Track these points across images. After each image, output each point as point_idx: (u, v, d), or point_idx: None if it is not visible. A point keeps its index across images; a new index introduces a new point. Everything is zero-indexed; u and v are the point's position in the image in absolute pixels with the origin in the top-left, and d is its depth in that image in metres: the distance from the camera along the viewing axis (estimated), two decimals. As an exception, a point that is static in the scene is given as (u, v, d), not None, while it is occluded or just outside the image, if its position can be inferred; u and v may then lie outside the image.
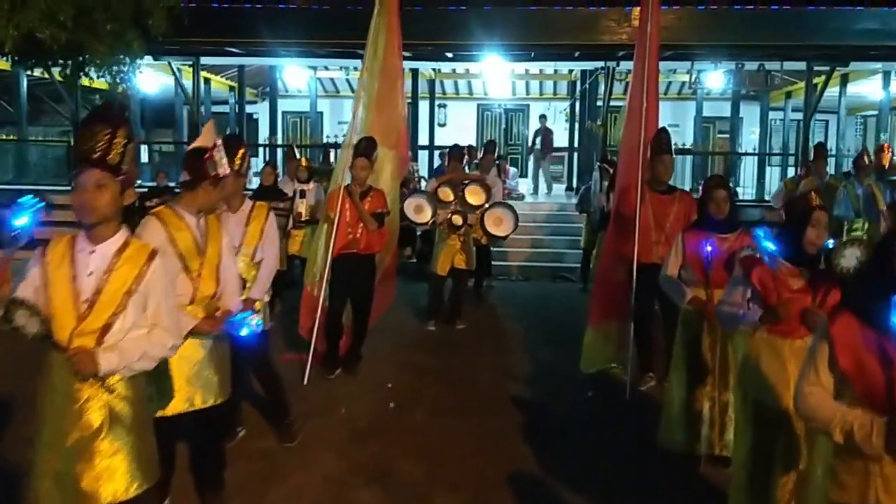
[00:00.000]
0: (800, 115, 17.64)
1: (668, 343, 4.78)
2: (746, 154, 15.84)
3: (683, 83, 13.74)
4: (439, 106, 20.27)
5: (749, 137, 18.89)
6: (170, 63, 12.80)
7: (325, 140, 20.08)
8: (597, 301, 5.90)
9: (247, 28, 11.74)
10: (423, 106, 18.87)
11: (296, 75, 17.57)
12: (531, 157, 16.75)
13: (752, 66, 12.18)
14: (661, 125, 5.69)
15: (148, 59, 11.44)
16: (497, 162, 9.87)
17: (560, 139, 17.20)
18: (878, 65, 12.66)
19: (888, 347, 2.02)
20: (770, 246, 3.13)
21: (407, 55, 12.34)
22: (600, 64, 12.73)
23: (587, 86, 13.86)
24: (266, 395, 4.61)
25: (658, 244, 5.45)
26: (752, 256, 3.21)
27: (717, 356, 4.13)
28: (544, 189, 16.06)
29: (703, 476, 4.10)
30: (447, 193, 7.39)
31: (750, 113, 17.82)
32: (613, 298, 5.73)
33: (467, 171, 9.01)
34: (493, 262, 10.45)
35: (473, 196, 7.44)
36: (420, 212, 7.41)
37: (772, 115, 18.39)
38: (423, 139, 18.32)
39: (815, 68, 11.69)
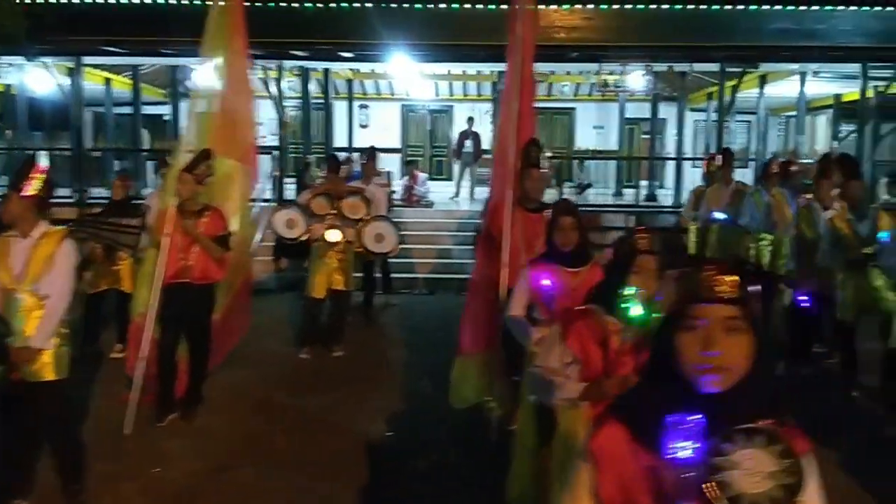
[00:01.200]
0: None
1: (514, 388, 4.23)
2: (662, 158, 15.50)
3: (607, 84, 13.28)
4: (361, 107, 19.62)
5: (675, 139, 18.69)
6: (45, 63, 11.82)
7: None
8: (467, 329, 5.31)
9: (135, 25, 10.88)
10: (341, 106, 18.27)
11: (207, 75, 16.61)
12: (456, 160, 16.17)
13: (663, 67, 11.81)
14: (534, 135, 5.15)
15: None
16: (378, 170, 9.18)
17: (485, 142, 16.70)
18: (796, 65, 12.43)
19: (663, 476, 1.45)
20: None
21: (301, 54, 11.71)
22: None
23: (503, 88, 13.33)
24: (54, 457, 3.92)
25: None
26: (573, 308, 2.65)
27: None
28: (466, 195, 15.53)
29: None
30: (322, 206, 6.73)
31: (674, 114, 17.60)
32: (484, 326, 5.16)
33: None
34: (396, 275, 9.85)
35: (352, 209, 6.81)
36: (291, 226, 6.74)
37: (695, 116, 18.26)
38: (341, 141, 17.69)
39: (728, 69, 11.35)
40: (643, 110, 16.98)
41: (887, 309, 5.27)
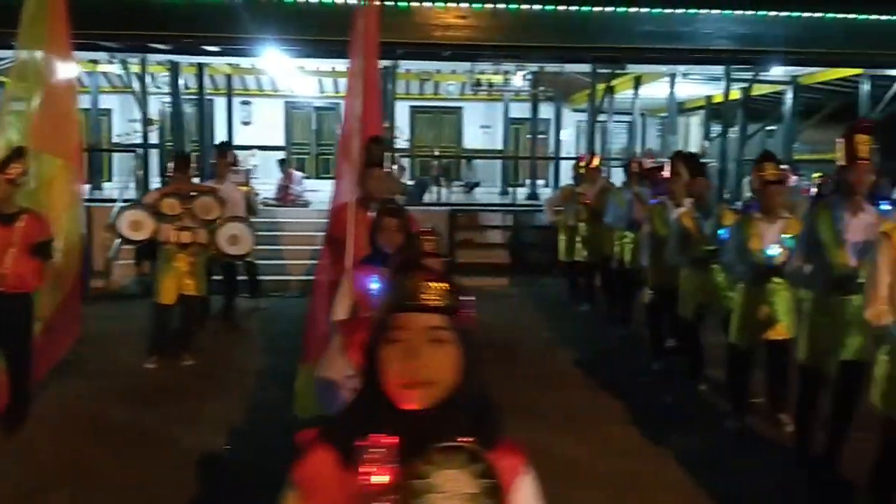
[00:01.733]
0: (602, 117, 18.01)
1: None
2: (540, 157, 15.72)
3: (480, 83, 13.36)
4: (243, 103, 19.03)
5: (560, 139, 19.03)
6: None
7: (114, 140, 18.38)
8: (310, 336, 5.11)
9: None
10: (222, 103, 17.65)
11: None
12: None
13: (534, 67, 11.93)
14: (376, 133, 5.02)
15: None
16: (235, 167, 8.85)
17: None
18: (665, 67, 12.81)
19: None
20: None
21: (163, 48, 11.19)
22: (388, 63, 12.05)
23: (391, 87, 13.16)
24: None
25: (373, 271, 4.77)
26: (353, 319, 2.52)
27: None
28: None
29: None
30: (173, 206, 6.38)
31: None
32: (326, 333, 4.97)
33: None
34: (268, 277, 9.55)
35: (204, 210, 6.48)
36: (138, 228, 6.36)
37: (578, 116, 18.66)
38: (222, 138, 17.07)
39: (599, 70, 11.58)
40: (528, 110, 17.20)
41: (727, 306, 5.41)
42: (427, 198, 13.70)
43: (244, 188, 8.27)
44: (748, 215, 5.17)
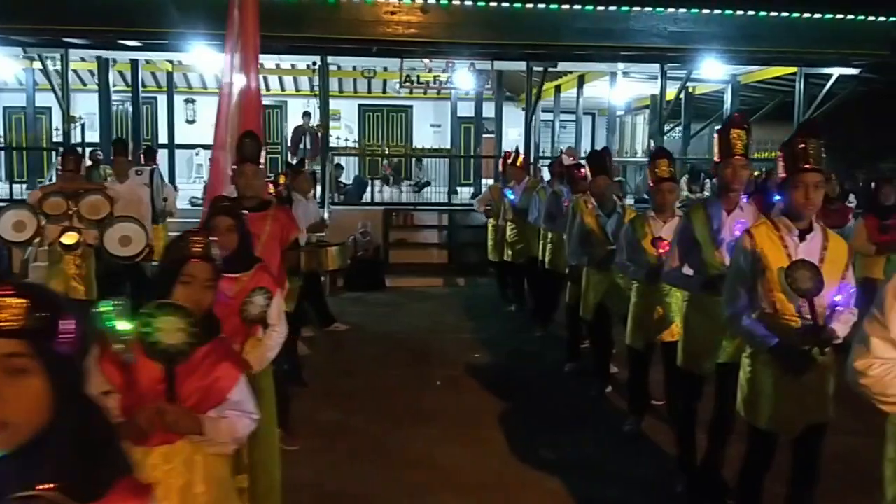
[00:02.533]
0: (550, 116, 17.92)
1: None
2: (484, 157, 15.56)
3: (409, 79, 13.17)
4: (186, 101, 18.64)
5: (509, 138, 18.90)
6: None
7: (55, 139, 17.86)
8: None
9: None
10: (164, 100, 17.24)
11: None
12: (293, 157, 15.57)
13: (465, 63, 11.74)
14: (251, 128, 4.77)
15: None
16: (135, 165, 8.50)
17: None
18: (604, 66, 12.72)
19: None
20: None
21: (79, 42, 10.84)
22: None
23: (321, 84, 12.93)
24: None
25: (247, 270, 4.54)
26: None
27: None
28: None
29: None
30: (57, 205, 6.06)
31: (507, 113, 17.75)
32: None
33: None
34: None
35: (92, 209, 6.18)
36: (21, 228, 6.04)
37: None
38: (163, 137, 16.69)
39: (535, 68, 11.43)
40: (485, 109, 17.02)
41: (623, 307, 5.26)
42: (379, 197, 13.51)
43: (148, 187, 7.94)
44: (642, 214, 5.02)
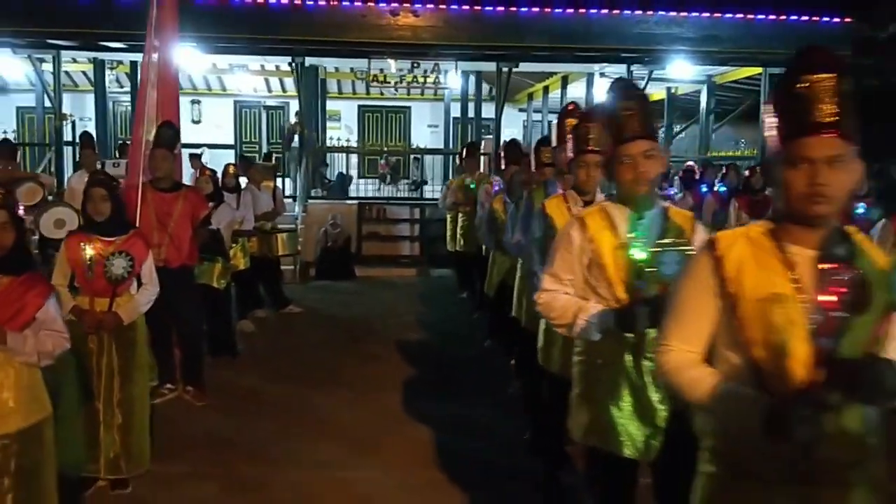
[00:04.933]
0: (539, 116, 18.33)
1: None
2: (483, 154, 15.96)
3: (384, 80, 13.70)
4: (192, 102, 19.39)
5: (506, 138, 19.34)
6: None
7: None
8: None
9: None
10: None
11: (8, 66, 16.02)
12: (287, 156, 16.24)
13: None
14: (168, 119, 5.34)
15: None
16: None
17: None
18: (579, 66, 13.13)
19: None
20: None
21: (66, 44, 11.53)
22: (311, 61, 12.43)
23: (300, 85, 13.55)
24: None
25: (160, 246, 5.10)
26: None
27: (104, 374, 3.81)
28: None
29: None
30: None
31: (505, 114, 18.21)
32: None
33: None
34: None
35: (28, 196, 6.71)
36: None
37: (523, 116, 18.98)
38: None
39: (503, 69, 11.91)
40: (474, 110, 17.49)
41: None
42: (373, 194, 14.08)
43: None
44: (528, 198, 5.44)
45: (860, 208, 6.25)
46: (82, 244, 3.82)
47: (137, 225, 4.97)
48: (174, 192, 5.20)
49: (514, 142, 6.65)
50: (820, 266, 1.65)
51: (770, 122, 1.75)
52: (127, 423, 3.83)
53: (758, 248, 1.77)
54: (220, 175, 7.18)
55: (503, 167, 6.52)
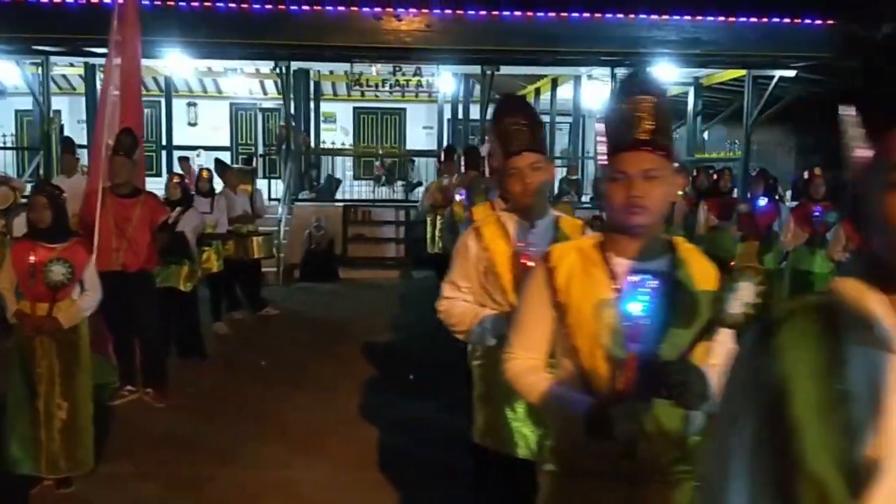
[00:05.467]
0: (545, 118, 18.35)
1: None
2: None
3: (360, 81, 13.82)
4: (189, 104, 19.57)
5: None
6: None
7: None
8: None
9: None
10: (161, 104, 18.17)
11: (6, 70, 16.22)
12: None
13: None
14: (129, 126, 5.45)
15: None
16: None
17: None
18: (567, 69, 13.20)
19: None
20: None
21: (51, 50, 11.70)
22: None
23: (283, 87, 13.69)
24: None
25: (119, 251, 5.23)
26: None
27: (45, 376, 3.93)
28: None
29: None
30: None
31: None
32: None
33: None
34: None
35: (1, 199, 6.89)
36: None
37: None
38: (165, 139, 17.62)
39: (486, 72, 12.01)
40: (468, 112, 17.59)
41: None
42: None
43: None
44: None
45: (817, 212, 6.31)
46: (26, 250, 3.94)
47: (97, 230, 5.14)
48: (133, 198, 5.32)
49: (472, 147, 6.74)
50: (628, 276, 1.74)
51: (599, 140, 1.86)
52: (68, 424, 3.94)
53: (586, 260, 1.85)
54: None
55: (463, 171, 6.62)
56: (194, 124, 19.50)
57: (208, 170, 7.95)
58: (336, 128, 20.08)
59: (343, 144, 20.19)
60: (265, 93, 19.42)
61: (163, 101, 17.94)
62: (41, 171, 11.65)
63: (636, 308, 1.70)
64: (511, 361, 1.98)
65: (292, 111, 16.62)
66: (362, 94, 18.94)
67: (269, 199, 12.82)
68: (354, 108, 20.24)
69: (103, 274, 5.05)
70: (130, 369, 5.44)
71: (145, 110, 18.76)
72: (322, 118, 18.96)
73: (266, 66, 15.90)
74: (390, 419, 5.22)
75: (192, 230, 6.34)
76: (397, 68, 11.73)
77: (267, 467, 4.46)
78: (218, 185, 7.93)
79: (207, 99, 19.59)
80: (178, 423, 5.11)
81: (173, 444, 4.77)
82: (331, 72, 17.19)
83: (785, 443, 0.90)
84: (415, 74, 13.24)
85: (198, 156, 19.03)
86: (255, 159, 11.12)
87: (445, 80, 14.27)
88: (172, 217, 6.08)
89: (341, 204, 12.54)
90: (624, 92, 1.82)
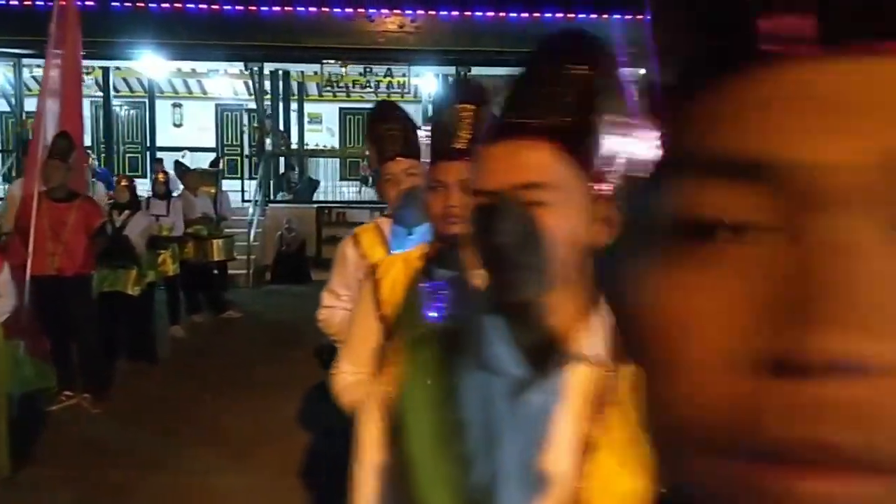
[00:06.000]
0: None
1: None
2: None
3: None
4: (174, 105, 19.54)
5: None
6: None
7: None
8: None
9: None
10: (159, 105, 18.14)
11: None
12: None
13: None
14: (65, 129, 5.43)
15: None
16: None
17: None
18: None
19: None
20: None
21: (24, 52, 11.70)
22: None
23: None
24: None
25: (55, 255, 5.21)
26: None
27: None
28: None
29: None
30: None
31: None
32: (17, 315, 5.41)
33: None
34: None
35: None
36: None
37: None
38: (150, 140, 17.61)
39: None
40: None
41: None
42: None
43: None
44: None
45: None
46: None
47: (32, 234, 5.13)
48: (68, 202, 5.30)
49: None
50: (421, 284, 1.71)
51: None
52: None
53: (411, 271, 1.82)
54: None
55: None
56: (180, 125, 19.47)
57: (165, 172, 7.93)
58: (322, 128, 20.04)
59: (327, 146, 20.18)
60: (250, 93, 19.35)
61: (146, 102, 18.00)
62: (13, 173, 11.63)
63: (432, 316, 1.67)
64: (338, 377, 1.94)
65: (269, 112, 16.72)
66: (348, 95, 18.96)
67: (244, 200, 12.85)
68: (340, 109, 20.18)
69: (39, 278, 5.12)
70: (68, 374, 5.41)
71: (131, 112, 19.23)
72: (307, 119, 18.93)
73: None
74: (331, 423, 5.17)
75: (140, 233, 6.32)
76: (367, 69, 11.71)
77: (193, 474, 4.43)
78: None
79: (193, 100, 19.55)
80: (112, 429, 5.08)
81: (103, 449, 4.74)
82: (315, 73, 17.17)
83: (404, 478, 0.87)
84: (385, 75, 13.23)
85: (183, 157, 19.02)
86: (220, 161, 11.03)
87: (428, 80, 14.26)
88: (119, 221, 6.09)
89: (314, 206, 12.52)
90: (447, 99, 1.79)
